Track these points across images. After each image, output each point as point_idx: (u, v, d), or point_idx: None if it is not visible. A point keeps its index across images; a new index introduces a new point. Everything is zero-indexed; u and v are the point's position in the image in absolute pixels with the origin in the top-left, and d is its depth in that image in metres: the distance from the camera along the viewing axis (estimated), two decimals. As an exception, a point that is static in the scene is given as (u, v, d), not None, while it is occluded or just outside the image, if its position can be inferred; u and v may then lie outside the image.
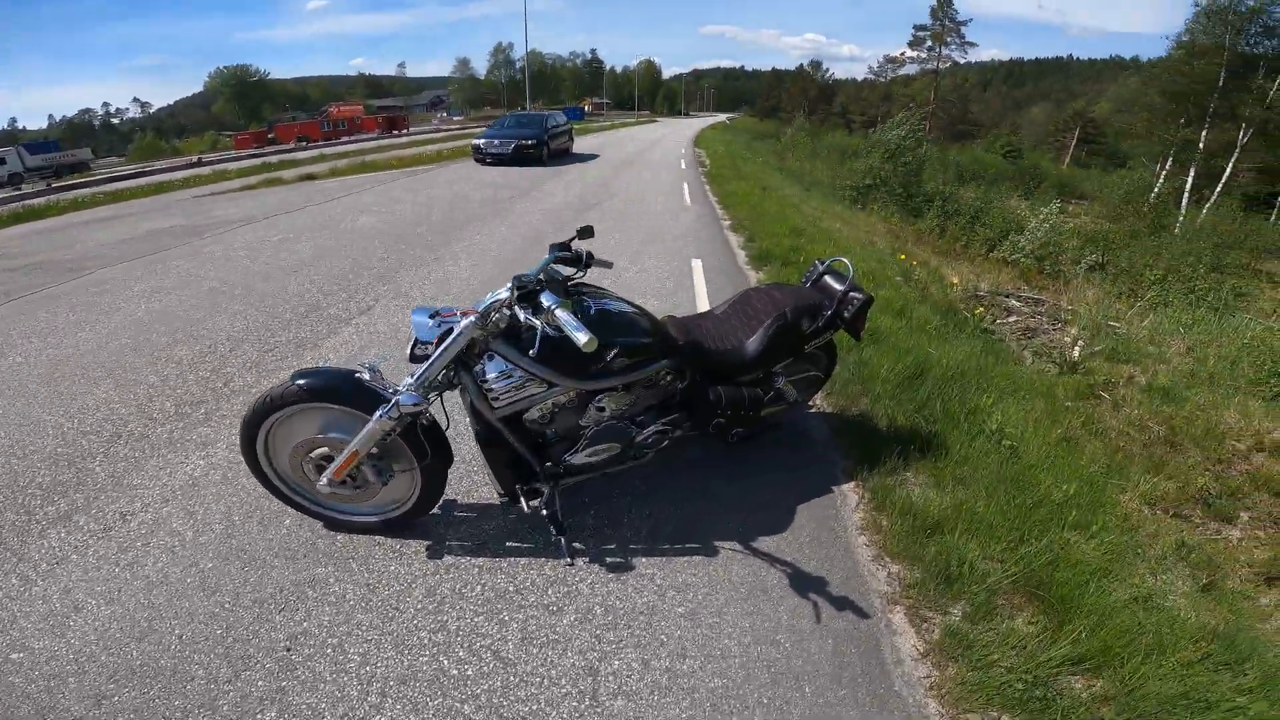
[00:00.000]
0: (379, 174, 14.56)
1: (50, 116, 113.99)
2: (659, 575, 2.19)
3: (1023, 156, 40.27)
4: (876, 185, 14.75)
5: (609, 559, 2.26)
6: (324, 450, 2.08)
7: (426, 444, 2.08)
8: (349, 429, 2.05)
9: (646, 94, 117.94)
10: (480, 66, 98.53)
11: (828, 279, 2.68)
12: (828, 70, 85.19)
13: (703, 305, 4.90)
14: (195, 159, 29.52)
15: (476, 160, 15.82)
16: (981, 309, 5.67)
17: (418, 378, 1.95)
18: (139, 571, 2.18)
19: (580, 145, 20.94)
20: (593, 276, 2.46)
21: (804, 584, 2.18)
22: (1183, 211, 23.41)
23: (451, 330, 1.92)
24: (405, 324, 4.49)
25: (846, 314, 2.53)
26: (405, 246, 6.78)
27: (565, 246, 2.27)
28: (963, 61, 51.64)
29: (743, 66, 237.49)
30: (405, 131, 43.21)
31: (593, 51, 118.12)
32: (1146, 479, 3.16)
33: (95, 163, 39.78)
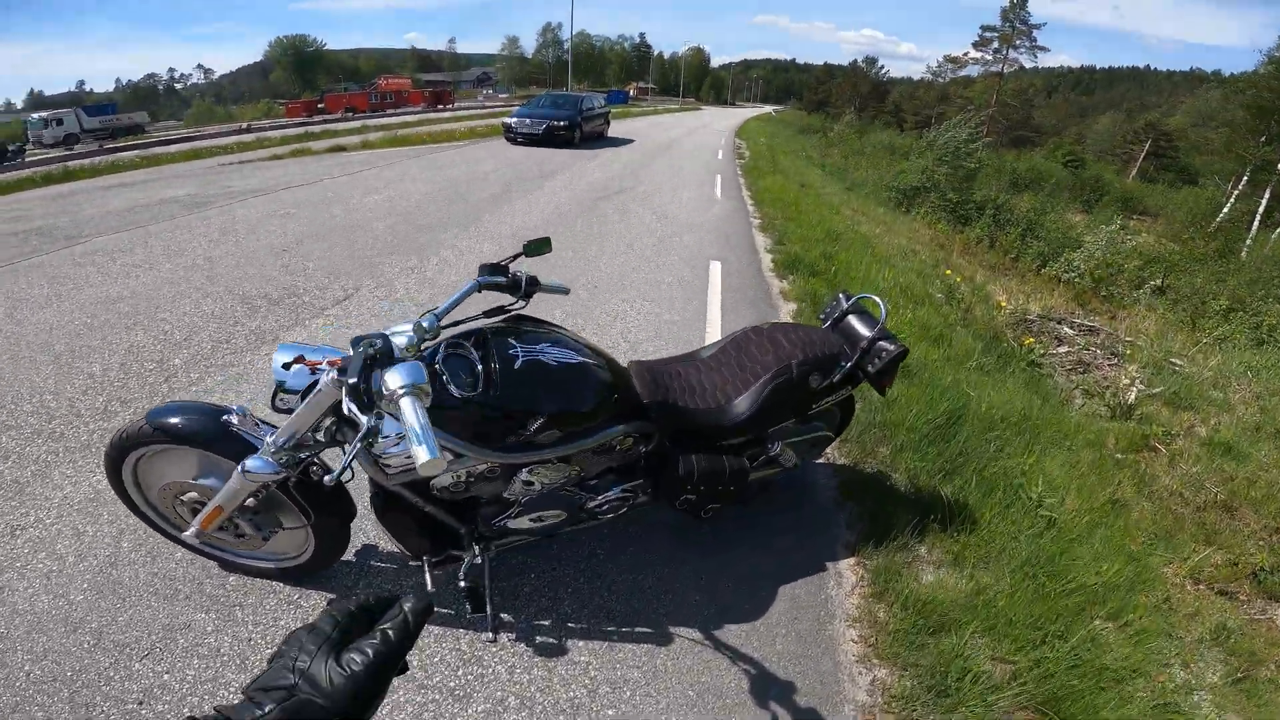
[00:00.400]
0: (408, 149, 14.34)
1: (117, 80, 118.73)
2: (594, 665, 1.80)
3: (1085, 167, 38.14)
4: (926, 188, 13.91)
5: (540, 638, 1.87)
6: (195, 495, 1.72)
7: (308, 504, 1.68)
8: (224, 475, 1.67)
9: (693, 81, 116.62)
10: (529, 45, 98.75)
11: (852, 319, 2.13)
12: (883, 67, 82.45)
13: (714, 319, 4.43)
14: (245, 126, 30.02)
15: (507, 139, 15.48)
16: (1031, 339, 5.09)
17: (275, 439, 1.48)
18: (7, 597, 1.91)
19: (619, 129, 20.40)
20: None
21: (766, 689, 1.77)
22: (1252, 235, 21.85)
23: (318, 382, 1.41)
24: (379, 317, 4.16)
25: (871, 368, 2.01)
26: (404, 230, 6.45)
27: (499, 269, 1.72)
28: (1029, 66, 49.11)
29: (794, 59, 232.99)
30: (450, 106, 43.28)
31: (641, 35, 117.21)
32: (1196, 550, 2.76)
33: (152, 126, 40.93)
